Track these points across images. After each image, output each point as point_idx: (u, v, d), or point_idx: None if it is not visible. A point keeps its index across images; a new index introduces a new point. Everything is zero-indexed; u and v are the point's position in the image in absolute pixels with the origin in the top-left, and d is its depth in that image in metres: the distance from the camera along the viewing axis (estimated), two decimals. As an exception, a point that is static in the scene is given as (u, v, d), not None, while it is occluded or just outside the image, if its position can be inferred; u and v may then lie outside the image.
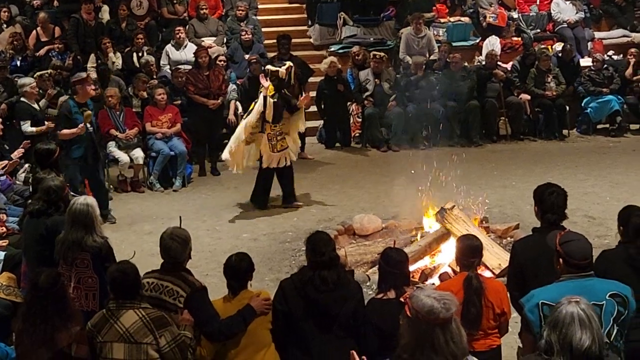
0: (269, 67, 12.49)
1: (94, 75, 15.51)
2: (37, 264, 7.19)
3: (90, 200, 7.18)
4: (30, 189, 9.66)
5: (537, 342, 5.04)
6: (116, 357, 5.58)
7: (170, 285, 6.05)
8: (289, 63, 12.48)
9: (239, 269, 6.13)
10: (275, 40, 16.38)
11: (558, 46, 18.33)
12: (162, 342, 5.56)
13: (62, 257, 6.94)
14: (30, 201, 8.23)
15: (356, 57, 16.96)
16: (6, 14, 17.38)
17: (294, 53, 16.04)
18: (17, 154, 11.99)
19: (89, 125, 11.68)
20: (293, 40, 16.44)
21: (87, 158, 11.72)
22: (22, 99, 13.39)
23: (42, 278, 5.62)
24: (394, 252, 6.30)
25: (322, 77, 16.21)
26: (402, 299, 5.60)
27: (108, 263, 6.76)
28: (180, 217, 7.53)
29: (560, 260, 5.36)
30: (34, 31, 16.89)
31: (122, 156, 13.86)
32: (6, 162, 11.61)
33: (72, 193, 8.88)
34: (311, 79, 15.80)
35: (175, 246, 6.13)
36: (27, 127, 13.09)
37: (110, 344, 5.60)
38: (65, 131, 11.51)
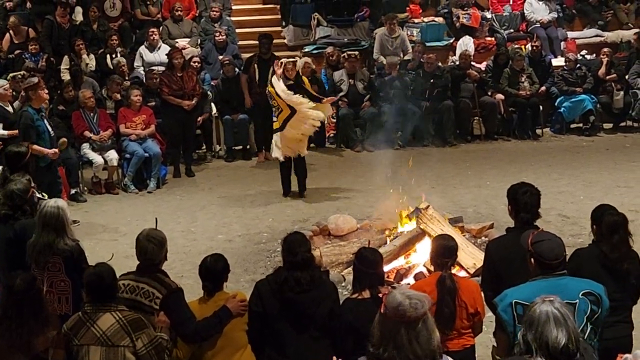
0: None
1: (67, 77, 15.47)
2: (8, 269, 7.11)
3: (61, 202, 7.12)
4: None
5: (510, 341, 5.09)
6: (92, 360, 5.56)
7: (146, 287, 6.03)
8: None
9: (214, 270, 6.12)
10: (249, 41, 16.42)
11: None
12: (139, 344, 5.53)
13: (34, 261, 6.87)
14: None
15: (330, 58, 16.97)
16: (-23, 16, 17.25)
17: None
18: None
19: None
20: (267, 41, 16.42)
21: (52, 166, 11.63)
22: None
23: (18, 281, 5.57)
24: (369, 252, 6.29)
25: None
26: (380, 295, 5.66)
27: (84, 265, 6.73)
28: (156, 218, 7.52)
29: (533, 260, 5.40)
30: (7, 34, 16.77)
31: (96, 158, 13.81)
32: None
33: (39, 195, 8.80)
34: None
35: (152, 247, 6.11)
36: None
37: (86, 347, 5.56)
38: (37, 147, 10.96)
